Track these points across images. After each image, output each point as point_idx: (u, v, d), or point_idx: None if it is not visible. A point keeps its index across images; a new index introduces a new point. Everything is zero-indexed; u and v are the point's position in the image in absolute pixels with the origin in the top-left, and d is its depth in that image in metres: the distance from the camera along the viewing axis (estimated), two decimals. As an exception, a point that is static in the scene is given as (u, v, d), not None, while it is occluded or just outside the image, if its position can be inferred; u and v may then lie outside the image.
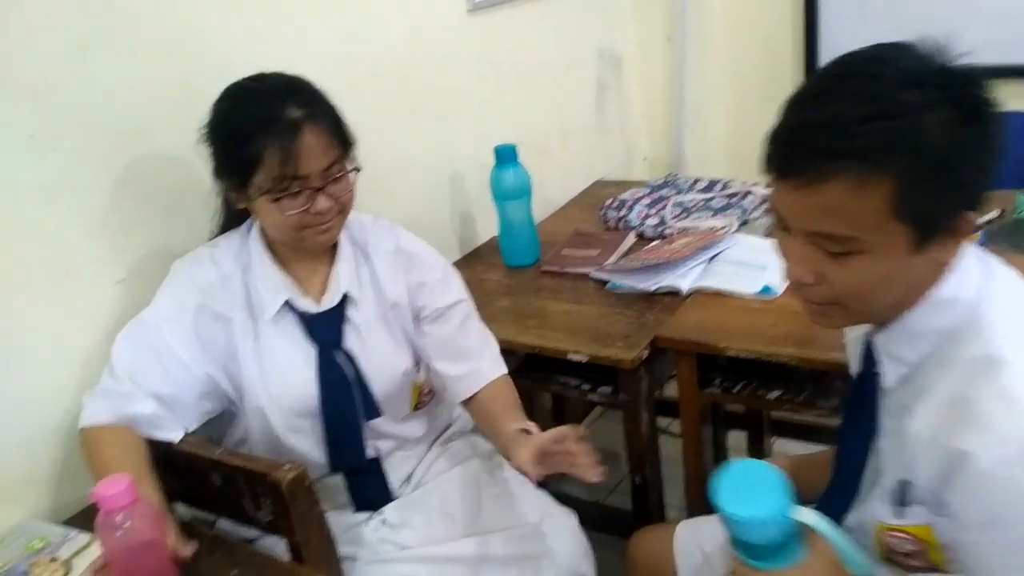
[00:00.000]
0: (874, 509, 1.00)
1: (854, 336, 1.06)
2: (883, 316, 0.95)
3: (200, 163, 1.33)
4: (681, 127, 2.79)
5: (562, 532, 1.41)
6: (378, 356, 1.40)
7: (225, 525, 1.41)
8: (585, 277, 1.88)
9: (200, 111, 1.28)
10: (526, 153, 2.01)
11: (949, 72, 0.82)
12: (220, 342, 1.33)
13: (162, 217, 1.48)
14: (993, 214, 1.96)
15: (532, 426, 1.33)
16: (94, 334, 1.39)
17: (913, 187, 0.81)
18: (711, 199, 2.12)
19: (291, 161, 1.21)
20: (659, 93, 2.83)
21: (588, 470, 1.20)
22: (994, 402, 0.83)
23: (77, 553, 1.21)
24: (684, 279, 1.73)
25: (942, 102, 0.81)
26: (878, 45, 0.86)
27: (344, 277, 1.38)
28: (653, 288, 1.73)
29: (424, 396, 1.51)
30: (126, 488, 1.02)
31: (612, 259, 1.91)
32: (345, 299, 1.39)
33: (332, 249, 1.39)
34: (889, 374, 0.97)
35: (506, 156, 1.92)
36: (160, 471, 1.31)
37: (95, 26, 1.34)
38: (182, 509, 1.40)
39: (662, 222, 2.05)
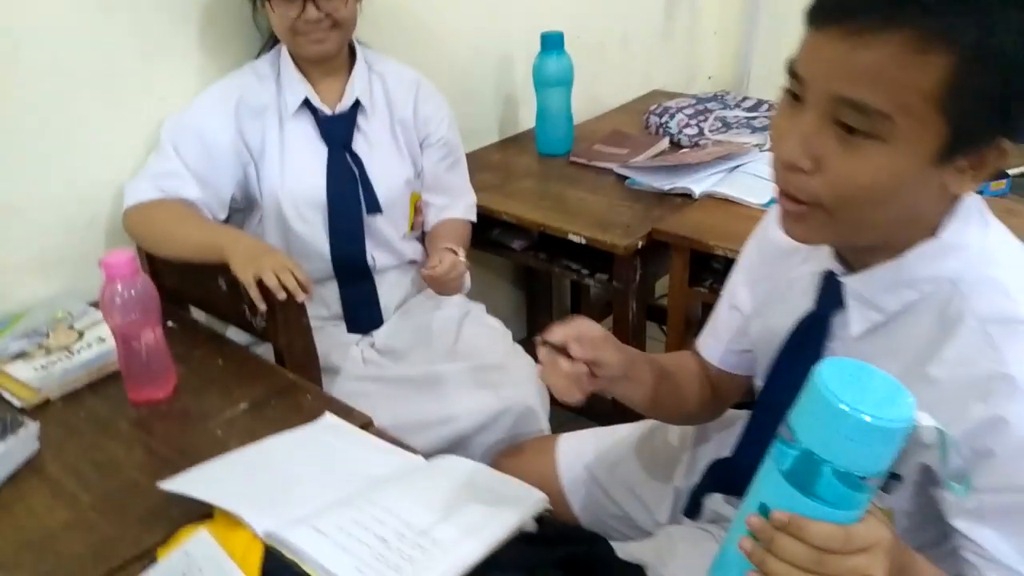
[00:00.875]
0: None
1: (799, 271, 0.94)
2: (861, 241, 0.82)
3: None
4: (750, 50, 2.75)
5: (521, 372, 1.53)
6: (382, 160, 1.58)
7: (232, 334, 1.55)
8: (609, 172, 1.92)
9: None
10: (579, 49, 2.04)
11: None
12: (254, 133, 1.52)
13: (210, 38, 1.60)
14: (1025, 168, 1.91)
15: (460, 248, 1.50)
16: (133, 142, 1.53)
17: (973, 76, 0.69)
18: (754, 118, 2.13)
19: None
20: (734, 11, 2.79)
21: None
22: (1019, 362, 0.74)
23: (91, 326, 1.37)
24: (698, 183, 1.76)
25: None
26: None
27: (357, 86, 1.56)
28: (667, 188, 1.78)
29: (419, 216, 1.68)
30: (128, 260, 1.16)
31: (639, 159, 1.96)
32: (357, 108, 1.56)
33: (351, 67, 1.57)
34: (857, 322, 0.85)
35: (551, 43, 1.96)
36: (176, 274, 1.46)
37: None
38: (197, 314, 1.55)
39: (700, 132, 2.07)
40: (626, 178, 1.87)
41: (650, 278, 1.76)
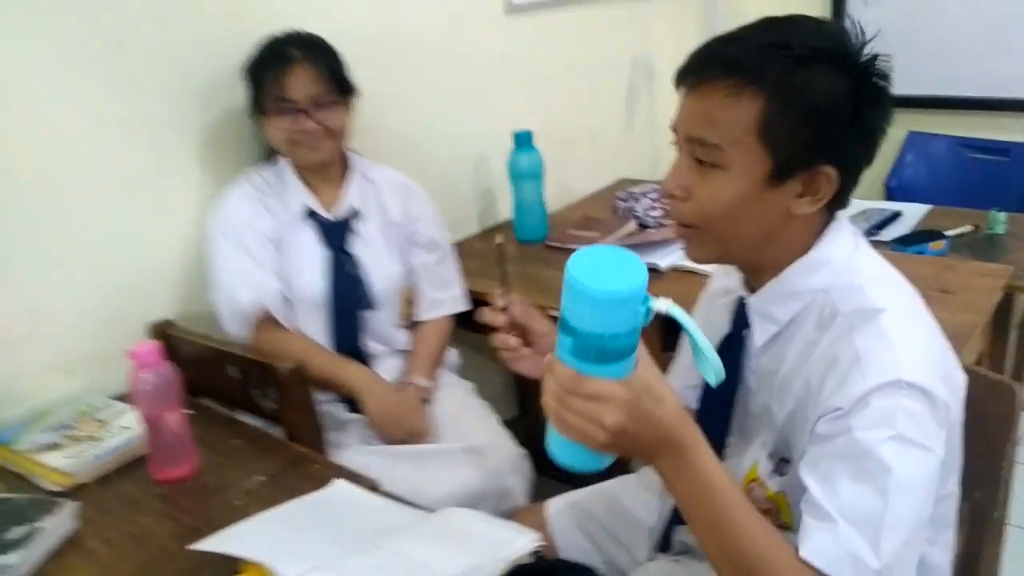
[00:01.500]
0: (745, 463, 1.08)
1: (721, 302, 1.14)
2: (740, 258, 1.02)
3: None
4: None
5: (501, 454, 1.67)
6: (377, 261, 1.75)
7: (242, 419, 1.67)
8: (582, 253, 2.09)
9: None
10: (551, 145, 2.25)
11: (861, 53, 0.92)
12: (275, 231, 1.68)
13: (217, 154, 1.78)
14: (966, 228, 2.11)
15: (423, 383, 1.74)
16: (149, 247, 1.70)
17: (779, 113, 0.89)
18: (713, 198, 2.32)
19: (281, 85, 1.60)
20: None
21: None
22: (872, 341, 0.89)
23: (114, 416, 1.50)
24: (664, 258, 1.94)
25: (842, 67, 0.90)
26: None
27: (352, 193, 1.75)
28: (636, 264, 1.95)
29: (411, 308, 1.84)
30: (154, 350, 1.29)
31: (609, 239, 2.13)
32: (354, 215, 1.74)
33: (345, 177, 1.75)
34: (759, 334, 1.03)
35: (522, 140, 2.17)
36: (187, 366, 1.59)
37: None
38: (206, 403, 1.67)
39: (664, 214, 2.26)
40: (598, 258, 2.04)
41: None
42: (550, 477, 1.72)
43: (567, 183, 2.59)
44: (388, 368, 1.79)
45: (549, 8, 2.48)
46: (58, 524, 1.20)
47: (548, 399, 0.82)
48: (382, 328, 1.78)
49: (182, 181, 1.74)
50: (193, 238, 1.75)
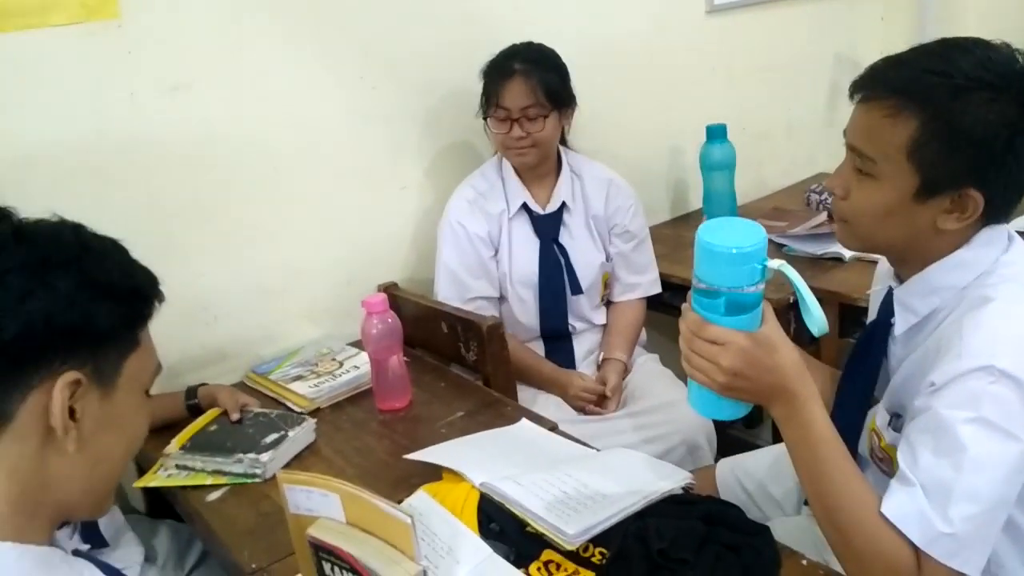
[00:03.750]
0: (869, 414, 1.18)
1: (878, 289, 1.23)
2: (886, 252, 1.12)
3: (472, 107, 1.91)
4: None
5: (692, 413, 1.77)
6: (582, 250, 1.96)
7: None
8: (769, 242, 2.17)
9: (475, 68, 1.88)
10: (748, 138, 2.35)
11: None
12: (492, 230, 1.91)
13: (442, 144, 2.06)
14: None
15: (623, 358, 1.93)
16: (383, 220, 2.00)
17: (930, 138, 0.96)
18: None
19: (500, 94, 1.82)
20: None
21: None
22: (975, 326, 0.95)
23: (348, 358, 1.80)
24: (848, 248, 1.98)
25: (1000, 99, 0.94)
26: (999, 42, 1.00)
27: (563, 190, 1.94)
28: (820, 253, 2.01)
29: (607, 289, 2.04)
30: (382, 301, 1.57)
31: (797, 230, 2.19)
32: (563, 208, 1.93)
33: (557, 173, 1.94)
34: (900, 323, 1.10)
35: (716, 133, 2.28)
36: (407, 322, 1.87)
37: (412, 4, 1.93)
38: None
39: (857, 207, 2.28)
40: (783, 245, 2.11)
41: (804, 330, 1.96)
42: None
43: (761, 176, 2.66)
44: (587, 342, 2.00)
45: (750, 7, 2.57)
46: (302, 434, 1.50)
47: (680, 343, 0.95)
48: (583, 309, 1.98)
49: (412, 166, 2.03)
50: (418, 215, 2.05)
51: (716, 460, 1.74)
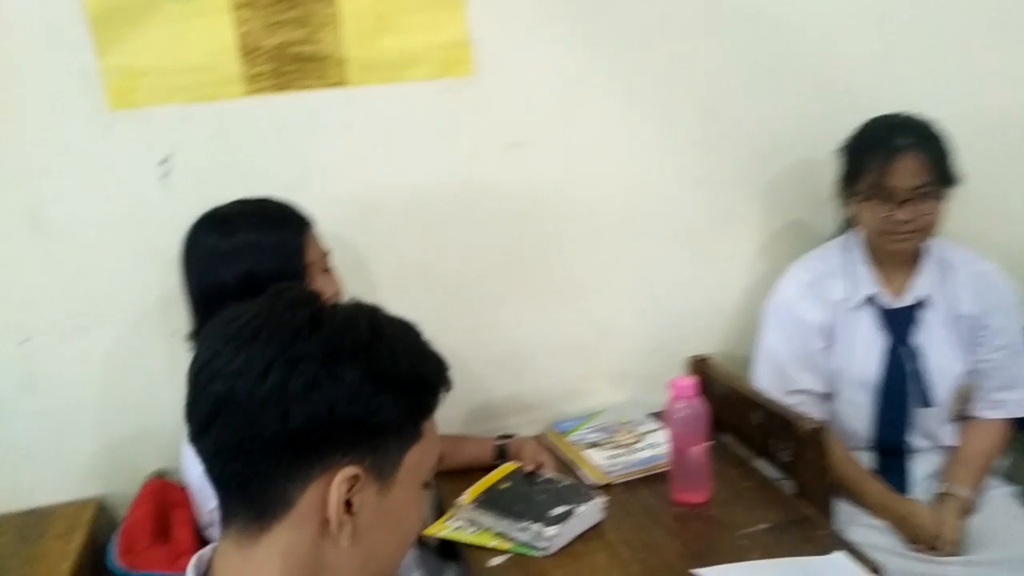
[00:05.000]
0: None
1: None
2: None
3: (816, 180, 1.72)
4: None
5: None
6: (940, 355, 1.66)
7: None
8: None
9: (828, 138, 1.68)
10: None
11: None
12: (827, 319, 1.68)
13: (778, 217, 1.90)
14: None
15: (965, 494, 1.59)
16: (697, 292, 1.89)
17: None
18: None
19: (884, 173, 1.56)
20: None
21: None
22: None
23: (648, 432, 1.71)
24: None
25: None
26: None
27: (923, 282, 1.66)
28: None
29: (964, 404, 1.72)
30: (692, 385, 1.45)
31: None
32: (920, 303, 1.66)
33: (918, 260, 1.67)
34: None
35: None
36: (716, 400, 1.73)
37: (767, 64, 1.79)
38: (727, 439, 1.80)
39: None
40: None
41: None
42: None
43: None
44: (928, 464, 1.69)
45: None
46: (589, 512, 1.43)
47: None
48: (931, 424, 1.68)
49: (742, 237, 1.89)
50: (742, 289, 1.90)
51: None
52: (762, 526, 1.38)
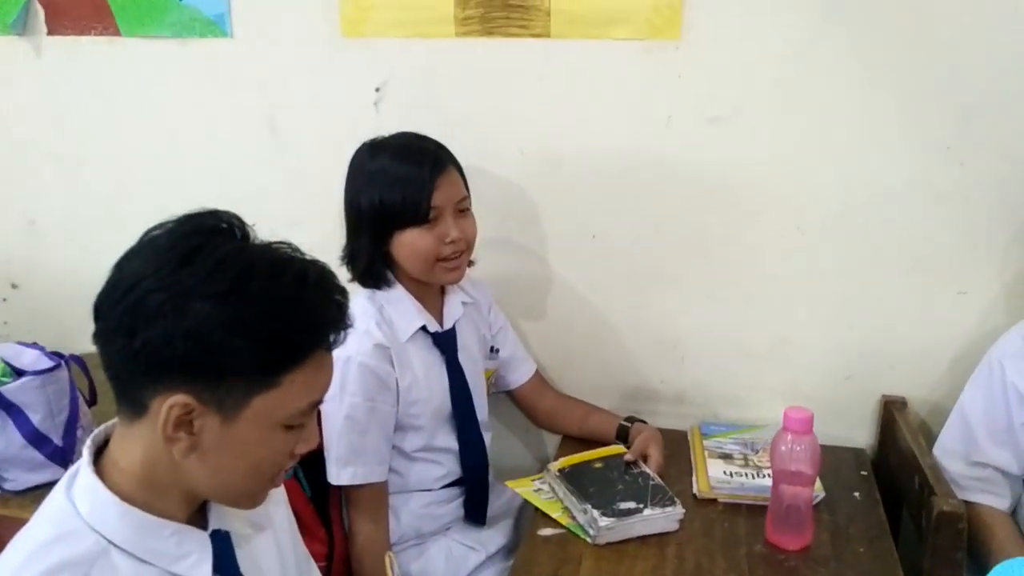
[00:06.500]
0: None
1: None
2: None
3: None
4: None
5: None
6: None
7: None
8: None
9: None
10: None
11: None
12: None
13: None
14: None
15: None
16: (911, 322, 1.60)
17: None
18: None
19: None
20: None
21: None
22: None
23: (756, 453, 1.55)
24: None
25: None
26: None
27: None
28: None
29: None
30: (806, 419, 1.27)
31: None
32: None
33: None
34: None
35: None
36: (900, 461, 1.47)
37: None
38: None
39: None
40: None
41: None
42: None
43: None
44: None
45: None
46: (660, 519, 1.34)
47: None
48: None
49: (984, 268, 1.55)
50: (971, 331, 1.57)
51: None
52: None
